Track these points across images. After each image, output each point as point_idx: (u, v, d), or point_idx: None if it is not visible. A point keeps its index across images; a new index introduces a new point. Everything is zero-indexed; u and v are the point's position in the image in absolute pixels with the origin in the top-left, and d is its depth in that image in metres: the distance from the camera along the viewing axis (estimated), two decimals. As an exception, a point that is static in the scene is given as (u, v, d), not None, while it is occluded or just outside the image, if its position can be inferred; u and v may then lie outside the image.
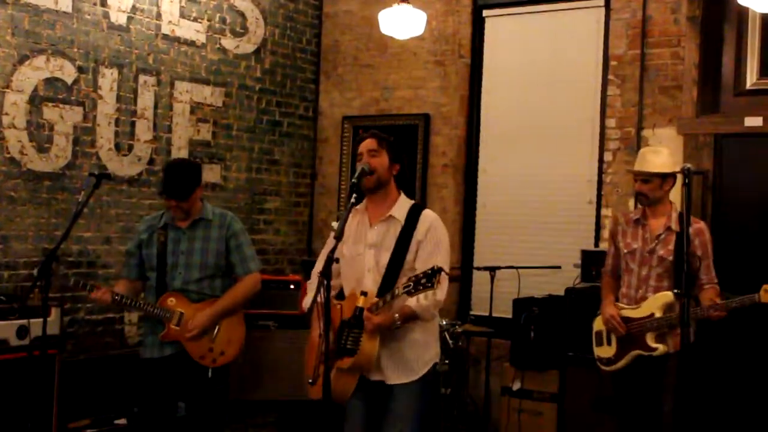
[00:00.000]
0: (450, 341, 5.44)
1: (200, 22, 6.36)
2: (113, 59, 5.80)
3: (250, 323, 5.04)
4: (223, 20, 6.54)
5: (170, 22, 6.15)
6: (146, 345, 4.50)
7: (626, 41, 5.91)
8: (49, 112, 5.46)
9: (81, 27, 5.60)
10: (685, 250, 3.75)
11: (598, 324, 4.68)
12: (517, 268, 5.87)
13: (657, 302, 4.39)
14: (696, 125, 5.61)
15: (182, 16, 6.23)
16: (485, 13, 6.69)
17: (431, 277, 3.36)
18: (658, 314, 4.37)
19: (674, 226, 4.45)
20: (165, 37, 6.12)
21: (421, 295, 3.48)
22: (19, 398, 4.64)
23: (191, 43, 6.30)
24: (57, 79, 5.49)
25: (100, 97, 5.73)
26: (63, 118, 5.53)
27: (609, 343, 4.58)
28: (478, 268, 6.11)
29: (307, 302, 3.78)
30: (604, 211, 5.95)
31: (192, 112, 6.33)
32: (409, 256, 3.71)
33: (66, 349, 5.34)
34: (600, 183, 6.06)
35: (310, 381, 3.61)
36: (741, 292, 4.18)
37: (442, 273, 3.36)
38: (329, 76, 7.31)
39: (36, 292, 4.54)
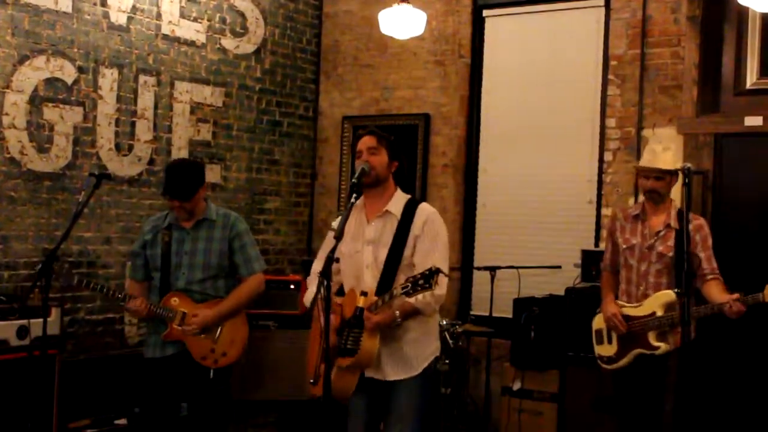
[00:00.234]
0: (450, 341, 5.44)
1: (200, 23, 6.36)
2: (113, 59, 5.80)
3: (250, 323, 5.04)
4: (223, 20, 6.54)
5: (170, 22, 6.15)
6: (149, 345, 4.50)
7: (626, 41, 5.91)
8: (50, 113, 5.47)
9: (81, 27, 5.61)
10: (685, 249, 3.76)
11: (598, 322, 4.68)
12: (517, 267, 5.87)
13: (658, 301, 4.39)
14: (696, 125, 5.61)
15: (182, 16, 6.23)
16: (485, 13, 6.69)
17: (429, 278, 3.36)
18: (659, 313, 4.37)
19: (673, 223, 4.47)
20: (165, 37, 6.12)
21: (419, 295, 3.48)
22: (19, 398, 4.64)
23: (191, 44, 6.30)
24: (57, 80, 5.50)
25: (101, 98, 5.74)
26: (63, 119, 5.53)
27: (610, 342, 4.59)
28: (479, 268, 6.11)
29: (307, 299, 3.79)
30: (604, 211, 5.95)
31: (192, 112, 6.33)
32: (407, 251, 3.70)
33: (66, 349, 5.34)
34: (600, 183, 6.06)
35: (312, 381, 3.61)
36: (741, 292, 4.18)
37: (440, 274, 3.36)
38: (329, 76, 7.31)
39: (36, 292, 4.54)
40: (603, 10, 6.11)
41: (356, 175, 3.68)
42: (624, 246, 4.58)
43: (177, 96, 6.22)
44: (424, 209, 3.79)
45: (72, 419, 5.19)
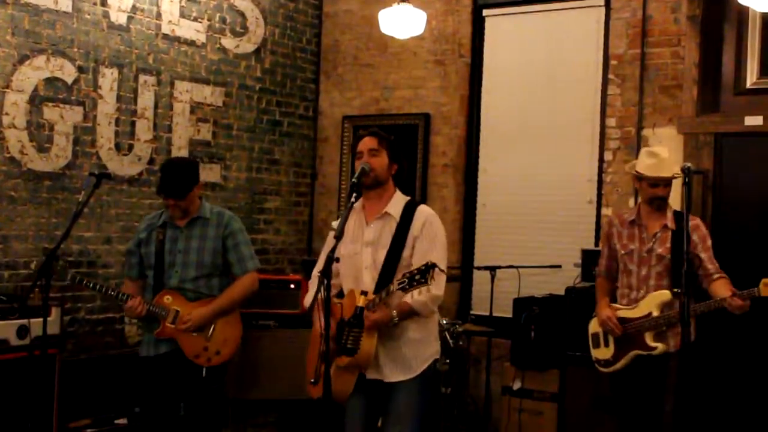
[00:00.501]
0: (450, 341, 5.44)
1: (200, 22, 6.36)
2: (113, 59, 5.80)
3: (249, 322, 5.03)
4: (223, 20, 6.54)
5: (170, 21, 6.15)
6: (143, 343, 4.51)
7: (626, 41, 5.91)
8: (50, 112, 5.47)
9: (81, 27, 5.61)
10: (684, 249, 3.75)
11: (593, 326, 4.67)
12: (517, 267, 5.87)
13: (654, 301, 4.38)
14: (696, 125, 5.61)
15: (182, 15, 6.23)
16: (485, 12, 6.69)
17: (425, 272, 3.36)
18: (655, 313, 4.36)
19: (670, 224, 4.45)
20: (165, 36, 6.12)
21: (416, 291, 3.48)
22: (19, 398, 4.64)
23: (191, 43, 6.30)
24: (57, 79, 5.49)
25: (101, 97, 5.74)
26: (63, 118, 5.53)
27: (606, 345, 4.57)
28: (479, 268, 6.12)
29: (307, 300, 3.79)
30: (604, 211, 5.95)
31: (192, 111, 6.33)
32: (406, 253, 3.70)
33: (66, 349, 5.34)
34: (600, 182, 6.06)
35: (312, 381, 3.61)
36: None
37: (436, 268, 3.36)
38: (329, 75, 7.31)
39: (36, 291, 4.55)
40: (603, 9, 6.11)
41: (356, 174, 3.69)
42: (622, 252, 4.56)
43: (177, 95, 6.22)
44: (423, 211, 3.79)
45: (72, 419, 5.19)
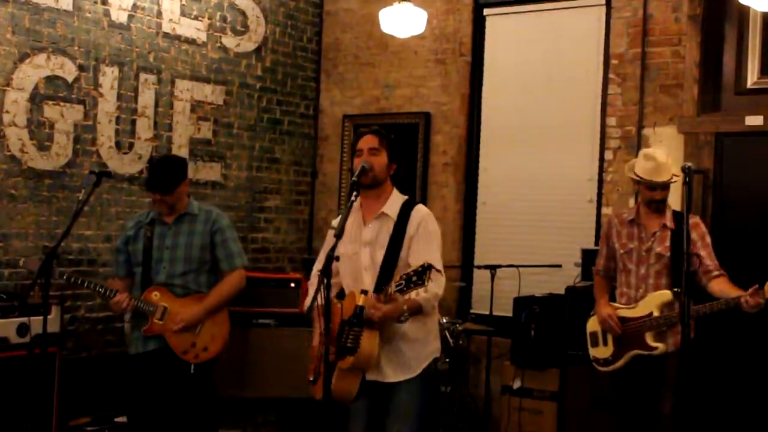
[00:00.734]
0: (450, 340, 5.44)
1: (201, 21, 6.36)
2: (114, 57, 5.80)
3: (249, 321, 5.04)
4: (223, 18, 6.54)
5: (171, 20, 6.15)
6: (132, 341, 4.53)
7: (627, 40, 5.91)
8: (50, 111, 5.47)
9: (82, 25, 5.61)
10: (684, 249, 3.74)
11: (592, 325, 4.67)
12: (517, 266, 5.87)
13: (655, 301, 4.38)
14: (697, 124, 5.61)
15: (183, 14, 6.23)
16: (486, 11, 6.68)
17: (422, 274, 3.36)
18: (656, 313, 4.36)
19: (669, 223, 4.45)
20: (166, 35, 6.12)
21: (413, 293, 3.48)
22: (19, 396, 4.65)
23: (192, 42, 6.30)
24: (57, 77, 5.50)
25: (101, 95, 5.74)
26: (63, 116, 5.53)
27: (605, 344, 4.57)
28: (479, 267, 6.11)
29: (307, 301, 3.78)
30: (604, 210, 5.94)
31: (192, 110, 6.33)
32: (403, 253, 3.71)
33: (66, 347, 5.34)
34: (600, 182, 6.06)
35: (311, 379, 3.62)
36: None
37: (433, 270, 3.36)
38: (330, 74, 7.31)
39: (36, 290, 4.55)
40: (604, 8, 6.11)
41: (357, 173, 3.68)
42: (621, 251, 4.56)
43: (177, 94, 6.22)
44: (419, 211, 3.79)
45: (72, 417, 5.20)
